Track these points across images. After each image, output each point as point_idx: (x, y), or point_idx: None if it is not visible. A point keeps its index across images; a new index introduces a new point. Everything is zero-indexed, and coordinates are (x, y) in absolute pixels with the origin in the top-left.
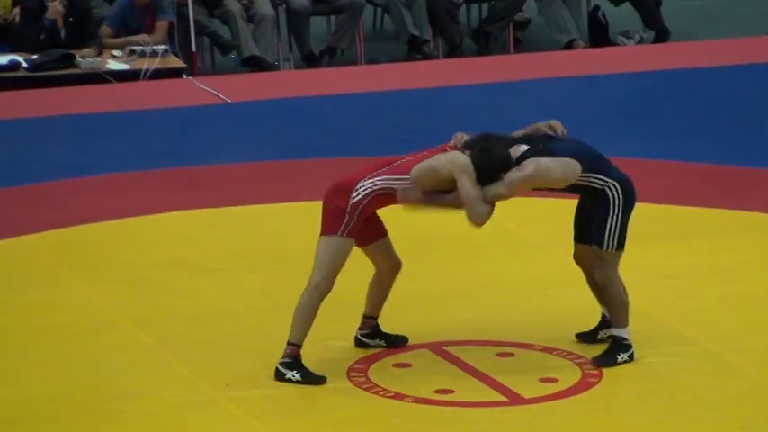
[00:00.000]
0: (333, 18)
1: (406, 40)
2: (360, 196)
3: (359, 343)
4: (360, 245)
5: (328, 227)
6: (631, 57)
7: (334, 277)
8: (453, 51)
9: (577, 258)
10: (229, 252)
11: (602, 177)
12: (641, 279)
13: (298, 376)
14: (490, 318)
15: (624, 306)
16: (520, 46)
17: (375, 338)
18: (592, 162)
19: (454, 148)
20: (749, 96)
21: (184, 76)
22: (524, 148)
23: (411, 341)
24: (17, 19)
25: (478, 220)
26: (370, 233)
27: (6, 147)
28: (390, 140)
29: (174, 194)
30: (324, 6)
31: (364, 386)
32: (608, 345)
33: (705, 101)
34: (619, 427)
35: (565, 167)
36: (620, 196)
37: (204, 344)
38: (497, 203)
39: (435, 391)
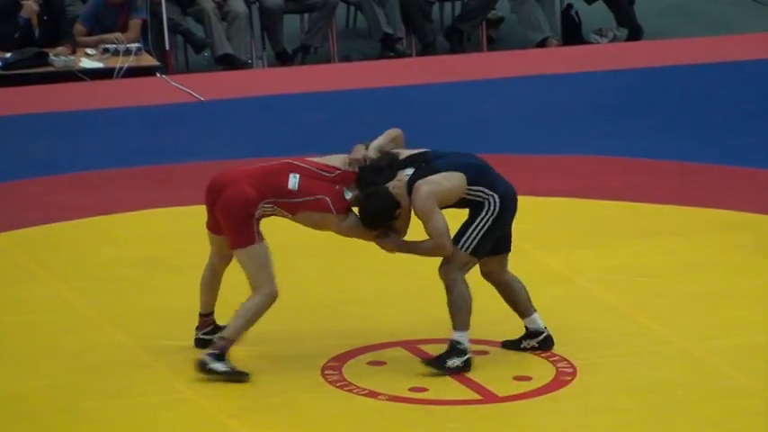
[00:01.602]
0: (306, 16)
1: (379, 38)
2: (258, 213)
3: (201, 343)
4: (213, 230)
5: (243, 239)
6: (605, 55)
7: (275, 278)
8: (426, 49)
9: (485, 274)
10: (203, 250)
11: (485, 191)
12: (614, 277)
13: (224, 369)
14: None
15: (467, 310)
16: (493, 44)
17: (215, 334)
18: (476, 174)
19: (350, 174)
20: (722, 94)
21: (158, 75)
22: (409, 171)
23: (386, 339)
24: None
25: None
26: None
27: None
28: (363, 138)
29: (148, 192)
30: (297, 4)
31: (338, 384)
32: (445, 348)
33: (678, 99)
34: (592, 425)
35: (451, 178)
36: (497, 209)
37: (179, 342)
38: None
39: (410, 389)
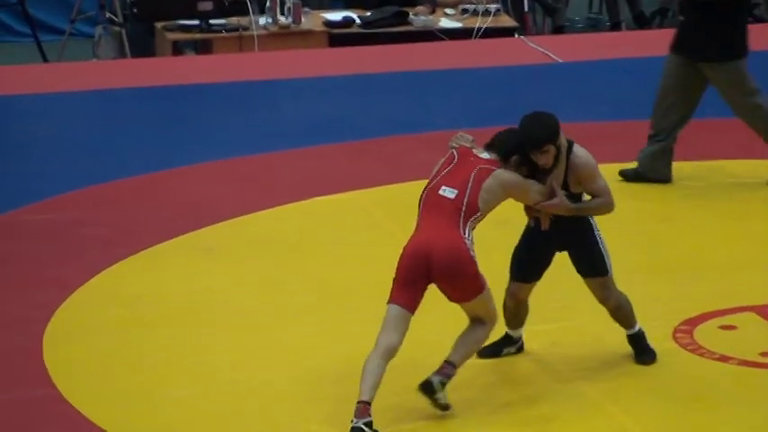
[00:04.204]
0: None
1: None
2: (473, 251)
3: None
4: (408, 308)
5: (475, 290)
6: None
7: None
8: None
9: (515, 297)
10: None
11: None
12: None
13: (446, 400)
14: None
15: (631, 309)
16: None
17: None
18: None
19: (465, 149)
20: None
21: (516, 36)
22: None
23: (738, 303)
24: None
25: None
26: (419, 301)
27: (340, 102)
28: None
29: None
30: None
31: (689, 347)
32: (634, 345)
33: None
34: None
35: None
36: (594, 219)
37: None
38: None
39: (760, 354)
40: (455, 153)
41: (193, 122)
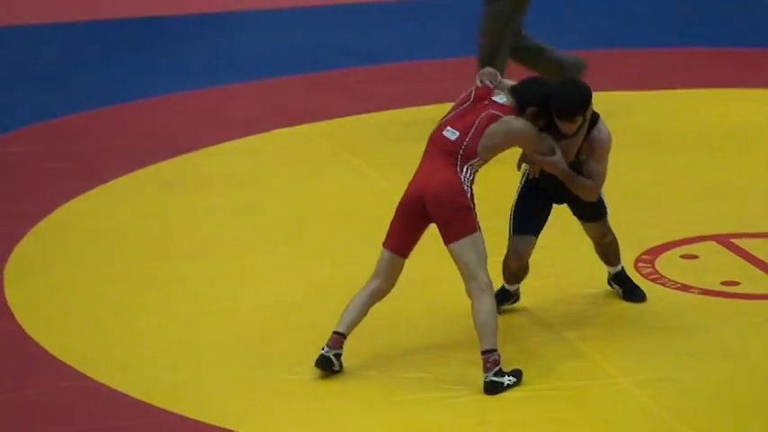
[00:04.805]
0: None
1: None
2: (470, 190)
3: (325, 362)
4: (400, 253)
5: (465, 228)
6: None
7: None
8: None
9: (519, 255)
10: None
11: None
12: None
13: (513, 379)
14: None
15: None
16: None
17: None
18: None
19: (484, 91)
20: None
21: None
22: None
23: (699, 232)
24: None
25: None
26: (411, 246)
27: (299, 34)
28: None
29: (467, 84)
30: None
31: (651, 277)
32: (620, 283)
33: None
34: None
35: None
36: None
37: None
38: None
39: (721, 283)
40: (472, 92)
41: (150, 55)
